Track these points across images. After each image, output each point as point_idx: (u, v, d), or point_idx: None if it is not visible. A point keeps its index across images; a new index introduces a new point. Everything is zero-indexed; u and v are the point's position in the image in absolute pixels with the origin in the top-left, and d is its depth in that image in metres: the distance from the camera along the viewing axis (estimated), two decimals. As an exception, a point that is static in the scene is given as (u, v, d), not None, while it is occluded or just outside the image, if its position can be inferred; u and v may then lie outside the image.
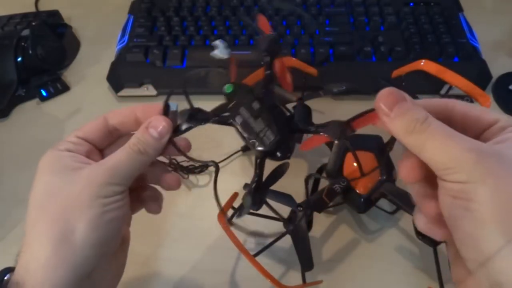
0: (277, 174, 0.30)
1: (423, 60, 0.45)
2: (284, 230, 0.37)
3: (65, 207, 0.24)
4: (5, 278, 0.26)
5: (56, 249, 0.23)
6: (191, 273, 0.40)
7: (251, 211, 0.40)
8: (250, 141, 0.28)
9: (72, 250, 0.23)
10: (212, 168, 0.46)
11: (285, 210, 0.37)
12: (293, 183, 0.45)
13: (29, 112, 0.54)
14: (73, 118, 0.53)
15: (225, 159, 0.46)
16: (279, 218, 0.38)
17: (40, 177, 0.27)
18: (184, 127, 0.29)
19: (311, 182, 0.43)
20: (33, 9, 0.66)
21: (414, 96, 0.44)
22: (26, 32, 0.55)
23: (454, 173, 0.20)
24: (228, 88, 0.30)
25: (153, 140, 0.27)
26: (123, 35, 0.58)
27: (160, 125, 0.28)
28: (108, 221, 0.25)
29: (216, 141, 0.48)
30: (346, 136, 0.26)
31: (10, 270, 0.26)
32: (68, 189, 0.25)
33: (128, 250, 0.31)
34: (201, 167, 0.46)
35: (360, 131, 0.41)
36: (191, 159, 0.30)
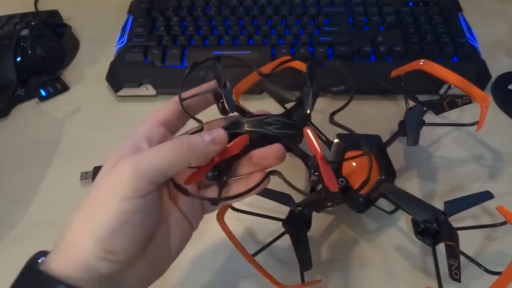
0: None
1: (422, 60, 0.45)
2: (283, 229, 0.37)
3: (96, 200, 0.24)
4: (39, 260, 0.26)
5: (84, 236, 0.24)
6: (190, 273, 0.40)
7: (251, 211, 0.40)
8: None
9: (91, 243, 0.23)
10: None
11: (284, 210, 0.37)
12: (292, 182, 0.45)
13: (28, 112, 0.54)
14: (72, 118, 0.53)
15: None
16: (278, 218, 0.38)
17: (106, 163, 0.27)
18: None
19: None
20: (32, 9, 0.66)
21: (414, 96, 0.44)
22: (25, 32, 0.54)
23: None
24: None
25: (203, 143, 0.25)
26: (122, 35, 0.58)
27: (216, 132, 0.26)
28: (126, 222, 0.23)
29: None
30: None
31: (43, 253, 0.27)
32: (104, 179, 0.24)
33: (171, 255, 0.29)
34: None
35: (360, 131, 0.41)
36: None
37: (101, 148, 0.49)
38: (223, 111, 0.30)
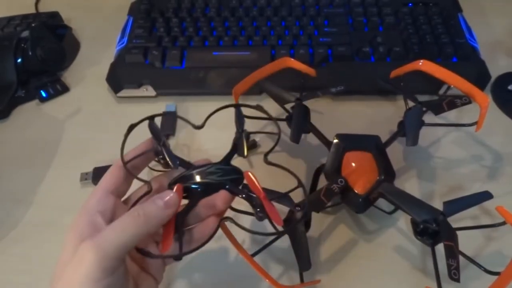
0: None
1: (422, 60, 0.45)
2: (282, 230, 0.37)
3: (66, 283, 0.24)
4: None
5: None
6: (189, 274, 0.40)
7: (250, 211, 0.40)
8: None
9: None
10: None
11: (284, 210, 0.37)
12: (292, 183, 0.45)
13: (28, 113, 0.54)
14: (72, 119, 0.53)
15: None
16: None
17: (65, 244, 0.27)
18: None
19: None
20: (33, 11, 0.66)
21: (413, 96, 0.44)
22: (26, 34, 0.55)
23: None
24: None
25: (158, 210, 0.26)
26: (122, 36, 0.58)
27: (167, 195, 0.27)
28: None
29: (214, 141, 0.48)
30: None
31: None
32: (70, 266, 0.25)
33: None
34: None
35: (359, 131, 0.41)
36: None
37: (101, 149, 0.49)
38: (166, 165, 0.32)
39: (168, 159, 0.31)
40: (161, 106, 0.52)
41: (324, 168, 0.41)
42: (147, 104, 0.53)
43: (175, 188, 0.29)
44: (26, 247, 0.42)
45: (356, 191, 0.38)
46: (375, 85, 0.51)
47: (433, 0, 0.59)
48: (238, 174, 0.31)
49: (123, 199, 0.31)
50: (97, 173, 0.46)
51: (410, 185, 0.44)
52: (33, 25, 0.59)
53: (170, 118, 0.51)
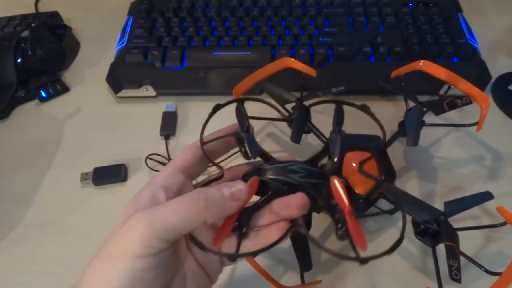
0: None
1: (422, 61, 0.45)
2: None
3: (107, 256, 0.23)
4: None
5: None
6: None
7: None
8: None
9: None
10: (211, 169, 0.46)
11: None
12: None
13: (28, 113, 0.54)
14: (72, 119, 0.53)
15: (224, 160, 0.46)
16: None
17: (122, 211, 0.26)
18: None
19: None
20: (32, 10, 0.66)
21: (413, 96, 0.44)
22: (25, 33, 0.55)
23: None
24: None
25: (221, 199, 0.24)
26: (122, 36, 0.58)
27: (236, 186, 0.24)
28: (138, 280, 0.22)
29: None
30: None
31: None
32: (118, 235, 0.23)
33: None
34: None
35: (360, 131, 0.41)
36: None
37: (101, 149, 0.49)
38: (245, 155, 0.29)
39: (247, 147, 0.28)
40: (161, 106, 0.52)
41: (324, 169, 0.41)
42: (147, 104, 0.53)
43: (249, 181, 0.25)
44: (26, 247, 0.42)
45: (356, 191, 0.38)
46: (375, 85, 0.51)
47: (433, 0, 0.59)
48: (323, 179, 0.28)
49: (194, 182, 0.29)
50: (97, 173, 0.46)
51: (410, 185, 0.44)
52: (33, 25, 0.58)
53: (171, 118, 0.50)
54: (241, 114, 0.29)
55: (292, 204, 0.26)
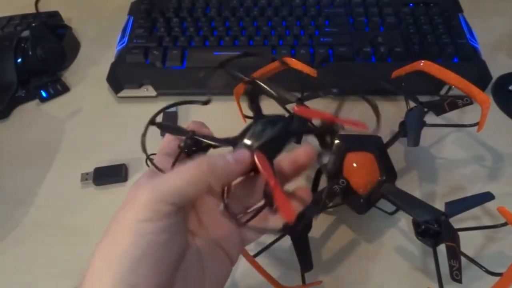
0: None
1: (423, 61, 0.45)
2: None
3: (114, 228, 0.23)
4: None
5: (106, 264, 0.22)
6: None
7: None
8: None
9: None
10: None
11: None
12: (292, 183, 0.45)
13: (29, 113, 0.54)
14: (73, 119, 0.53)
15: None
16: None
17: (128, 191, 0.25)
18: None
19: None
20: (33, 10, 0.66)
21: (414, 97, 0.44)
22: (26, 33, 0.55)
23: None
24: None
25: (225, 162, 0.24)
26: (123, 36, 0.58)
27: (241, 153, 0.25)
28: (148, 245, 0.22)
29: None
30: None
31: None
32: (125, 207, 0.23)
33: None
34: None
35: (361, 131, 0.41)
36: None
37: (101, 149, 0.49)
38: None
39: (212, 143, 0.27)
40: (161, 106, 0.52)
41: (325, 169, 0.41)
42: (147, 104, 0.53)
43: (257, 157, 0.25)
44: (27, 247, 0.42)
45: (357, 192, 0.38)
46: (376, 85, 0.51)
47: (433, 0, 0.59)
48: (289, 119, 0.27)
49: None
50: (98, 173, 0.46)
51: (411, 185, 0.44)
52: (33, 25, 0.58)
53: (171, 118, 0.50)
54: (171, 129, 0.29)
55: (300, 156, 0.27)
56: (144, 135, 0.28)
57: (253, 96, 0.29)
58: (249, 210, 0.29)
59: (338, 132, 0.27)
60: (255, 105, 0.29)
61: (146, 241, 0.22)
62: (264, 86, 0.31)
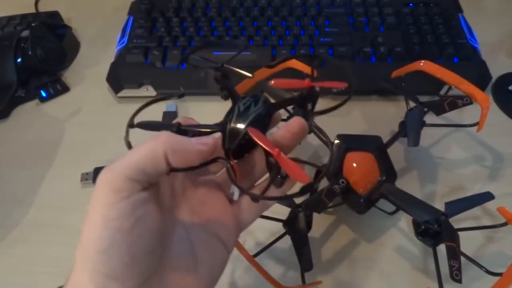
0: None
1: (423, 61, 0.45)
2: (283, 230, 0.37)
3: (85, 224, 0.22)
4: None
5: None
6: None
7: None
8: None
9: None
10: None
11: (285, 211, 0.37)
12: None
13: (28, 113, 0.54)
14: (73, 119, 0.53)
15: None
16: (278, 219, 0.38)
17: None
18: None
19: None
20: (33, 10, 0.66)
21: (414, 97, 0.44)
22: (26, 33, 0.54)
23: None
24: None
25: (184, 139, 0.23)
26: (122, 36, 0.58)
27: (204, 137, 0.24)
28: (116, 231, 0.21)
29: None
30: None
31: None
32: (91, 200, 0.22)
33: (202, 284, 0.25)
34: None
35: (360, 131, 0.41)
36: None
37: (101, 149, 0.49)
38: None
39: (199, 130, 0.26)
40: (161, 106, 0.52)
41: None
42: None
43: (252, 133, 0.24)
44: (27, 247, 0.42)
45: (357, 192, 0.38)
46: (376, 85, 0.51)
47: (433, 1, 0.59)
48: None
49: None
50: (98, 173, 0.46)
51: (411, 185, 0.44)
52: (33, 24, 0.58)
53: (171, 117, 0.50)
54: (156, 125, 0.28)
55: (293, 127, 0.26)
56: (126, 137, 0.28)
57: (223, 82, 0.29)
58: (256, 184, 0.28)
59: (318, 96, 0.27)
60: (227, 90, 0.29)
61: (111, 231, 0.20)
62: (236, 70, 0.30)
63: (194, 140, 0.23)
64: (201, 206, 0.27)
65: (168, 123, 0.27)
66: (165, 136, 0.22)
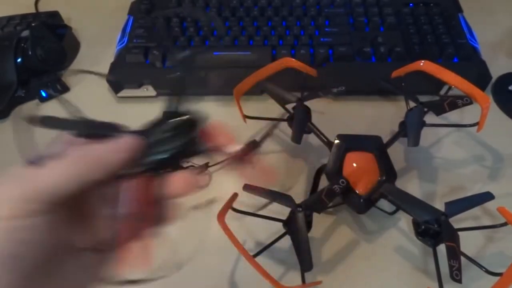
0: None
1: (423, 61, 0.45)
2: (283, 230, 0.37)
3: None
4: None
5: None
6: (190, 274, 0.40)
7: (251, 212, 0.40)
8: None
9: None
10: (212, 169, 0.46)
11: (285, 211, 0.37)
12: (293, 184, 0.45)
13: (28, 113, 0.54)
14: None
15: (224, 160, 0.46)
16: (278, 219, 0.38)
17: None
18: None
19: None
20: (33, 10, 0.66)
21: (414, 97, 0.44)
22: (25, 33, 0.55)
23: None
24: None
25: (106, 155, 0.22)
26: (122, 36, 0.58)
27: (123, 142, 0.23)
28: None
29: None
30: None
31: None
32: None
33: None
34: (200, 168, 0.46)
35: (360, 131, 0.41)
36: None
37: (101, 149, 0.49)
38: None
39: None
40: (161, 106, 0.52)
41: (325, 169, 0.41)
42: (147, 104, 0.53)
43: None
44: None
45: (357, 192, 0.38)
46: (376, 86, 0.51)
47: (433, 1, 0.59)
48: (191, 126, 0.25)
49: None
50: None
51: (411, 185, 0.44)
52: (33, 24, 0.58)
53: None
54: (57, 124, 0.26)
55: (176, 188, 0.25)
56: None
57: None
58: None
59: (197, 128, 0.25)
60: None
61: (15, 239, 0.19)
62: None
63: (113, 148, 0.22)
64: (93, 214, 0.25)
65: (75, 121, 0.26)
66: (87, 158, 0.22)
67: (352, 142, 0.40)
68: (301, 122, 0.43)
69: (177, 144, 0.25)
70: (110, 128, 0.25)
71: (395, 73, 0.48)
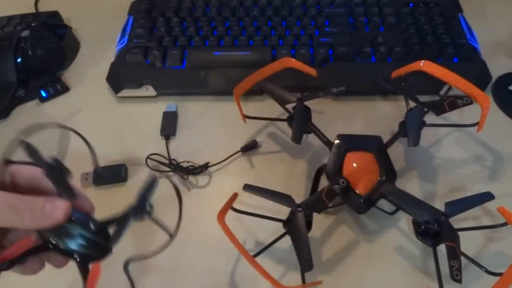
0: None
1: (423, 61, 0.46)
2: (283, 230, 0.37)
3: None
4: None
5: None
6: (190, 274, 0.40)
7: (251, 212, 0.40)
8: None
9: None
10: (212, 169, 0.46)
11: (285, 211, 0.37)
12: (293, 184, 0.45)
13: (28, 113, 0.54)
14: (73, 119, 0.53)
15: (224, 160, 0.46)
16: (278, 219, 0.38)
17: None
18: None
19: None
20: (32, 10, 0.66)
21: (414, 97, 0.44)
22: (25, 33, 0.54)
23: None
24: None
25: (37, 216, 0.25)
26: (122, 36, 0.58)
27: (58, 203, 0.26)
28: None
29: (215, 141, 0.48)
30: None
31: None
32: None
33: None
34: (200, 168, 0.46)
35: (360, 131, 0.41)
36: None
37: (101, 149, 0.49)
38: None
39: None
40: (161, 106, 0.52)
41: (325, 169, 0.41)
42: (147, 104, 0.53)
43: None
44: (26, 247, 0.42)
45: (357, 192, 0.38)
46: (376, 86, 0.51)
47: (433, 1, 0.59)
48: (99, 254, 0.28)
49: None
50: (98, 174, 0.46)
51: (411, 185, 0.44)
52: (33, 24, 0.58)
53: (171, 117, 0.50)
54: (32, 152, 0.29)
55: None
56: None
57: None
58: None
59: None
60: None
61: None
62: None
63: (48, 210, 0.25)
64: None
65: (45, 162, 0.29)
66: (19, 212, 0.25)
67: (352, 142, 0.40)
68: (301, 122, 0.43)
69: (80, 249, 0.28)
70: (63, 188, 0.29)
71: (395, 73, 0.48)
